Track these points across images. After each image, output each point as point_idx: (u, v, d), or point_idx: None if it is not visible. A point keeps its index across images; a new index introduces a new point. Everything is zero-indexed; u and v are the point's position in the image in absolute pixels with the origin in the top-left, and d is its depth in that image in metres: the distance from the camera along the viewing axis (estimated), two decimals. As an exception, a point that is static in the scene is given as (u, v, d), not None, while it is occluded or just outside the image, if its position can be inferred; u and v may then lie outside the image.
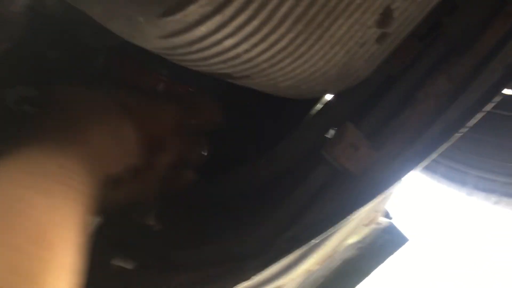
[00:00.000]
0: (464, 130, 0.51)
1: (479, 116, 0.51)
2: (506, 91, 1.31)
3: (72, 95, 0.55)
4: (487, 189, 1.32)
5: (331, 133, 0.73)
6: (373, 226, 0.89)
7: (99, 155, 0.49)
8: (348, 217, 0.57)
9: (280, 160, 0.73)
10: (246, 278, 0.55)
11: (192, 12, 0.38)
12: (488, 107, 0.51)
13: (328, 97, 0.75)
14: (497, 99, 0.51)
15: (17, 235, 0.32)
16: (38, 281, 0.31)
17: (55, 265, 0.34)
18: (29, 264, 0.31)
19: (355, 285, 1.19)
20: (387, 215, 1.07)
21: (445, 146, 0.52)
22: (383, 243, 1.14)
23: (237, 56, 0.45)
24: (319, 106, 0.78)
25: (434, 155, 0.54)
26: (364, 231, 0.85)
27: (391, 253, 1.17)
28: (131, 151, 0.56)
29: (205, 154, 0.71)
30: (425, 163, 0.56)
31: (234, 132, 0.85)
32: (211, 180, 0.81)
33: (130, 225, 0.83)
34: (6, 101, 0.73)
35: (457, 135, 0.51)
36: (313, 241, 0.57)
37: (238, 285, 0.55)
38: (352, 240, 0.88)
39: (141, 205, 0.71)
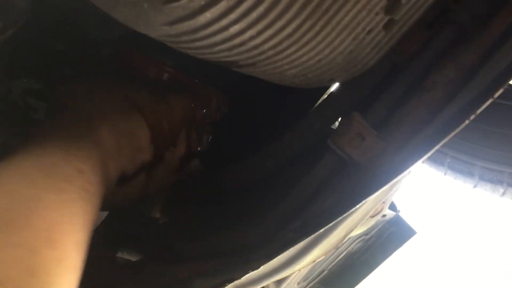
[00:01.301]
0: (473, 117, 0.50)
1: (488, 102, 0.51)
2: (513, 82, 1.30)
3: (83, 94, 0.54)
4: (494, 180, 1.31)
5: (337, 123, 0.72)
6: (379, 218, 0.88)
7: (113, 155, 0.50)
8: (354, 207, 0.57)
9: (286, 150, 0.72)
10: (256, 267, 0.55)
11: (197, -3, 0.37)
12: (498, 93, 0.50)
13: (334, 86, 0.74)
14: (506, 85, 0.50)
15: (30, 236, 0.33)
16: (53, 283, 0.32)
17: (66, 265, 0.34)
18: (45, 266, 0.32)
19: (361, 279, 1.18)
20: (393, 208, 1.07)
21: (453, 134, 0.52)
22: (389, 236, 1.14)
23: (243, 43, 0.44)
24: (325, 96, 0.77)
25: (442, 144, 0.53)
26: (371, 223, 0.84)
27: (398, 246, 1.17)
28: (145, 149, 0.57)
29: (209, 142, 0.71)
30: (432, 152, 0.55)
31: (239, 124, 0.85)
32: (216, 172, 0.81)
33: (136, 218, 0.83)
34: (13, 94, 0.73)
35: (467, 122, 0.51)
36: (319, 232, 0.56)
37: (247, 274, 0.55)
38: (358, 231, 0.88)
39: (151, 198, 0.71)
